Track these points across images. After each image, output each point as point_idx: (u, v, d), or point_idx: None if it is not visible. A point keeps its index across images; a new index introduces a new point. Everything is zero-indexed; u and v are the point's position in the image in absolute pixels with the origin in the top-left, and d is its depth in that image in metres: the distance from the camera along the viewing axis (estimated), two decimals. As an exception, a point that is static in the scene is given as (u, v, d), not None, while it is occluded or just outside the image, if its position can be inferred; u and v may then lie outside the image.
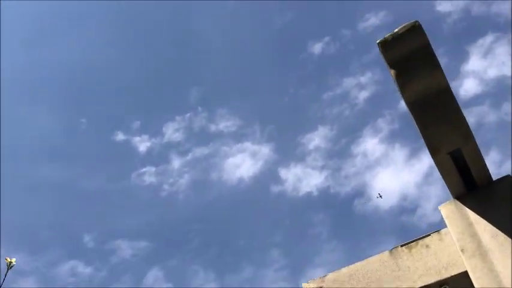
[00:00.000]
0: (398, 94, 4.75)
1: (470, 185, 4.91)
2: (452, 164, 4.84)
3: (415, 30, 4.57)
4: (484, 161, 4.86)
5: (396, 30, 4.64)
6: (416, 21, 4.59)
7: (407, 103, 4.71)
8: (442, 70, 4.59)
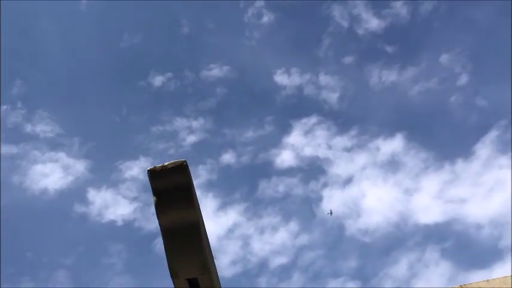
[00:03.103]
0: (155, 217, 5.21)
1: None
2: (189, 288, 5.38)
3: (181, 169, 5.10)
4: (216, 291, 5.48)
5: (166, 164, 5.13)
6: (184, 161, 5.14)
7: (161, 229, 5.19)
8: (196, 210, 5.16)
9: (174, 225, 5.17)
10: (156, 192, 5.14)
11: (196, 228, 5.21)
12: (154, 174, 5.12)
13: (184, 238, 5.19)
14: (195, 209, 5.16)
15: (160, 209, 5.14)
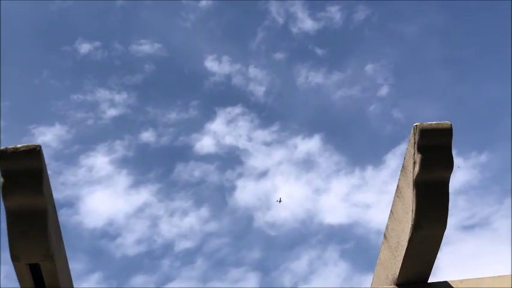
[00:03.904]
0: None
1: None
2: (30, 274, 5.35)
3: (33, 154, 5.03)
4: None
5: (19, 146, 5.04)
6: (38, 146, 5.07)
7: (6, 211, 5.11)
8: (44, 196, 5.10)
9: (19, 209, 5.11)
10: (4, 174, 5.05)
11: (43, 215, 5.16)
12: (4, 156, 5.02)
13: (29, 223, 5.14)
14: (43, 195, 5.11)
15: (7, 191, 5.05)
